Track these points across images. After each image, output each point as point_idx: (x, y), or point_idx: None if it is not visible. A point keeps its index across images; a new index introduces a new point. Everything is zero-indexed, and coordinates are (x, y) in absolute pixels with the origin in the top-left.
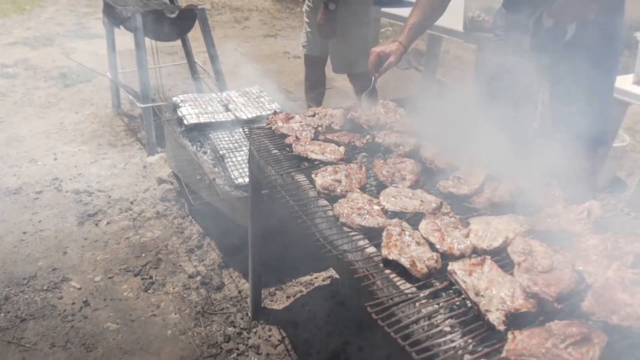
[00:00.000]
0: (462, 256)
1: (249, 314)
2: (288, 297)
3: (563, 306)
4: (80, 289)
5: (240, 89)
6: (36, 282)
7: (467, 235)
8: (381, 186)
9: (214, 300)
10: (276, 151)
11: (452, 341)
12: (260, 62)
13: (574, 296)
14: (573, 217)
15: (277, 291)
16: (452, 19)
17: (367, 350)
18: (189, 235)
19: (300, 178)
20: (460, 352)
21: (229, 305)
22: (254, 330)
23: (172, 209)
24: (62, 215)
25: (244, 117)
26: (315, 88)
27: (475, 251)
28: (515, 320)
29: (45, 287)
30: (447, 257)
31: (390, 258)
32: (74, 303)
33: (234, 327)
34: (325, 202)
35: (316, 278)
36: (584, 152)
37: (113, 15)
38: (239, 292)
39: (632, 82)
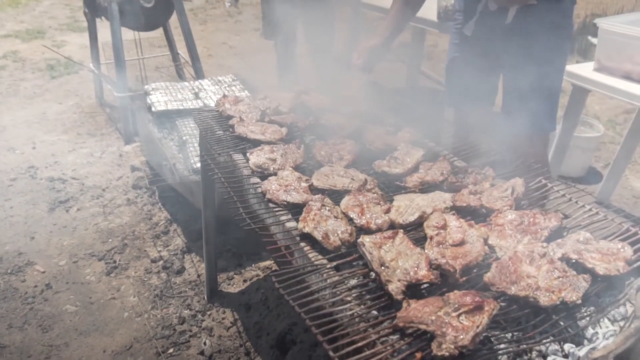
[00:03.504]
0: (378, 230)
1: (205, 297)
2: (245, 280)
3: (467, 278)
4: (44, 272)
5: (213, 78)
6: (1, 265)
7: (387, 211)
8: (320, 165)
9: (173, 284)
10: (220, 132)
11: (351, 309)
12: (248, 54)
13: (482, 269)
14: (497, 194)
15: (235, 275)
16: (427, 9)
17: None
18: (157, 221)
19: (238, 157)
20: (357, 319)
21: (187, 289)
22: (209, 312)
23: (143, 196)
24: (34, 202)
25: (213, 105)
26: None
27: (393, 226)
28: (421, 291)
29: (9, 271)
30: (365, 231)
31: (305, 231)
32: (36, 286)
33: (190, 309)
34: (257, 180)
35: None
36: (532, 137)
37: (93, 6)
38: (198, 276)
39: (592, 69)
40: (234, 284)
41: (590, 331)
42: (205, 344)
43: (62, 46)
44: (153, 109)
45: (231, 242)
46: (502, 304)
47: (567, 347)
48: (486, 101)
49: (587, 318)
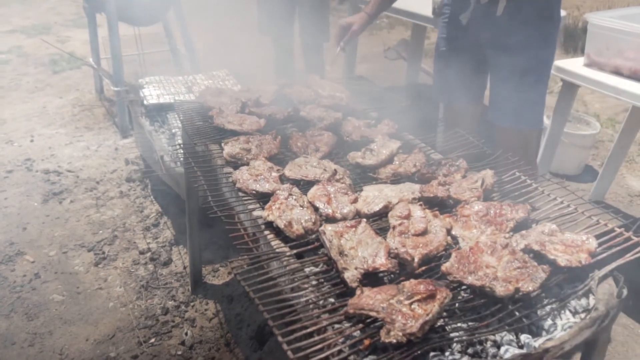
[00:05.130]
0: (344, 219)
1: (189, 289)
2: (230, 273)
3: (427, 268)
4: (33, 262)
5: (207, 72)
6: None
7: (354, 201)
8: (296, 156)
9: (159, 275)
10: (200, 123)
11: (306, 296)
12: (249, 50)
13: (445, 258)
14: (466, 185)
15: (220, 267)
16: (423, 5)
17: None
18: (148, 214)
19: (215, 147)
20: (311, 306)
21: (172, 280)
22: (192, 304)
23: (136, 189)
24: (28, 194)
25: None
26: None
27: (359, 215)
28: (382, 281)
29: None
30: (331, 220)
31: (270, 219)
32: (24, 275)
33: (174, 300)
34: (230, 170)
35: None
36: (518, 131)
37: (93, 0)
38: (185, 267)
39: (582, 65)
40: (218, 276)
41: (548, 322)
42: (186, 334)
43: (67, 42)
44: (145, 102)
45: (218, 235)
46: (465, 294)
47: (524, 337)
48: (474, 95)
49: (547, 308)
